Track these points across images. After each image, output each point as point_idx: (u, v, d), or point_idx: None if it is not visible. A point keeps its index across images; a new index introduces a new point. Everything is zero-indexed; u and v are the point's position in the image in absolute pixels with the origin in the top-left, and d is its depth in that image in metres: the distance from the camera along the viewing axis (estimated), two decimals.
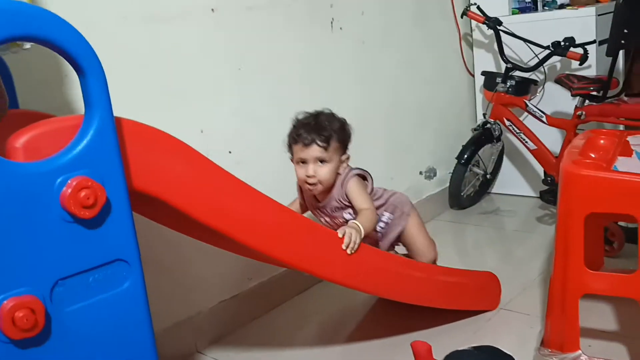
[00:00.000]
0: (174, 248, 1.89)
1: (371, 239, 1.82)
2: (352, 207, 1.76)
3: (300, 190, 1.85)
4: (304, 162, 1.70)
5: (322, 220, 1.84)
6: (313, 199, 1.81)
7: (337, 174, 1.73)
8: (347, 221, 1.77)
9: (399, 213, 1.86)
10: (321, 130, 1.67)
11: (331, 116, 1.73)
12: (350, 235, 1.52)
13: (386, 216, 1.85)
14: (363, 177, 1.78)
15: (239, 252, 1.71)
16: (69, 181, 0.96)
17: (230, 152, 2.06)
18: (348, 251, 1.51)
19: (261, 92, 2.15)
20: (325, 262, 1.51)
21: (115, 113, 1.07)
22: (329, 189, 1.75)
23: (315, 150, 1.67)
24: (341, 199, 1.74)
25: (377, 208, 1.80)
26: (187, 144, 1.22)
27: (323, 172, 1.68)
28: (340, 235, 1.52)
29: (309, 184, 1.71)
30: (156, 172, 1.13)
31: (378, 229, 1.85)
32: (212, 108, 2.01)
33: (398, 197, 1.88)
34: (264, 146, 2.14)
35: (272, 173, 2.03)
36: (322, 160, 1.68)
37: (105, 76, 0.99)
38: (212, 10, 1.98)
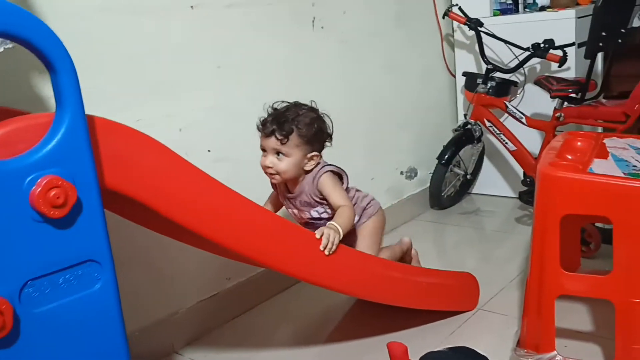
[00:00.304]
0: (152, 247, 1.87)
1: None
2: (322, 204, 1.74)
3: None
4: (264, 150, 1.70)
5: (291, 212, 1.83)
6: (284, 188, 1.79)
7: (305, 170, 1.71)
8: (312, 218, 1.77)
9: (365, 217, 1.86)
10: (284, 123, 1.64)
11: (306, 110, 1.69)
12: (329, 236, 1.51)
13: (355, 219, 1.84)
14: (338, 175, 1.76)
15: (217, 252, 1.70)
16: (39, 180, 0.95)
17: (209, 151, 2.05)
18: (326, 252, 1.51)
19: (241, 90, 2.14)
20: (302, 263, 1.51)
21: (90, 110, 1.05)
22: (296, 180, 1.73)
23: (272, 142, 1.66)
24: (312, 195, 1.73)
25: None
26: (164, 142, 1.21)
27: (281, 165, 1.67)
28: (318, 236, 1.52)
29: (268, 173, 1.71)
30: (129, 171, 1.12)
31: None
32: (191, 106, 1.99)
33: (367, 200, 1.87)
34: (243, 145, 2.13)
35: (251, 172, 2.02)
36: (279, 153, 1.67)
37: (76, 74, 0.97)
38: (192, 7, 1.96)
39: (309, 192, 1.73)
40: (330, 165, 1.75)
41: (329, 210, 1.75)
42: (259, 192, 1.89)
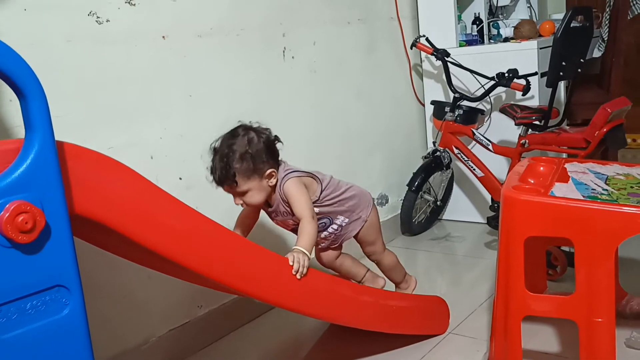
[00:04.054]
0: (122, 274, 1.86)
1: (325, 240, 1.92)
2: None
3: None
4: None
5: (279, 222, 1.87)
6: (265, 204, 1.82)
7: (272, 187, 1.74)
8: (296, 224, 1.77)
9: (356, 217, 1.92)
10: (222, 172, 1.66)
11: (236, 143, 1.67)
12: (299, 260, 1.53)
13: (340, 219, 1.90)
14: (309, 178, 1.80)
15: (188, 279, 1.70)
16: (7, 205, 0.95)
17: (180, 179, 2.06)
18: (297, 276, 1.52)
19: (212, 118, 2.16)
20: (274, 287, 1.52)
21: (61, 137, 1.06)
22: (271, 193, 1.76)
23: (227, 190, 1.72)
24: (284, 204, 1.76)
25: (332, 213, 1.85)
26: (136, 169, 1.22)
27: (249, 200, 1.72)
28: (290, 262, 1.54)
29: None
30: (99, 196, 1.13)
31: (331, 230, 1.90)
32: (163, 134, 2.01)
33: (357, 201, 1.91)
34: None
35: (222, 199, 2.03)
36: (241, 192, 1.70)
37: (46, 100, 0.98)
38: (163, 37, 1.99)
39: (281, 202, 1.76)
40: (295, 171, 1.77)
41: None
42: (231, 218, 1.90)
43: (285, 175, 1.74)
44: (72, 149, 1.09)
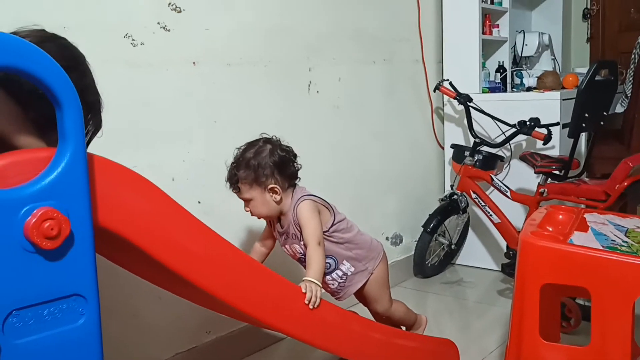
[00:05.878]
0: (131, 295, 1.86)
1: (327, 288, 1.87)
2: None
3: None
4: None
5: (284, 249, 1.86)
6: (277, 224, 1.83)
7: (278, 203, 1.75)
8: (303, 254, 1.78)
9: (362, 268, 1.87)
10: (230, 175, 1.77)
11: (247, 152, 1.75)
12: (312, 290, 1.53)
13: (346, 266, 1.85)
14: (324, 206, 1.80)
15: (201, 302, 1.70)
16: (35, 211, 0.97)
17: (199, 202, 2.08)
18: (310, 306, 1.52)
19: (234, 146, 2.17)
20: (286, 315, 1.51)
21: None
22: (285, 214, 1.78)
23: (237, 194, 1.77)
24: (295, 226, 1.76)
25: (338, 255, 1.82)
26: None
27: (252, 209, 1.77)
28: (303, 290, 1.53)
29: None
30: (123, 210, 1.14)
31: (335, 276, 1.85)
32: (186, 157, 2.03)
33: (365, 251, 1.88)
34: (232, 199, 2.16)
35: (239, 225, 2.05)
36: (245, 199, 1.76)
37: (81, 111, 1.01)
38: (194, 63, 2.04)
39: (292, 223, 1.77)
40: (312, 195, 1.78)
41: None
42: (248, 244, 1.91)
43: (301, 197, 1.76)
44: (101, 162, 1.11)
